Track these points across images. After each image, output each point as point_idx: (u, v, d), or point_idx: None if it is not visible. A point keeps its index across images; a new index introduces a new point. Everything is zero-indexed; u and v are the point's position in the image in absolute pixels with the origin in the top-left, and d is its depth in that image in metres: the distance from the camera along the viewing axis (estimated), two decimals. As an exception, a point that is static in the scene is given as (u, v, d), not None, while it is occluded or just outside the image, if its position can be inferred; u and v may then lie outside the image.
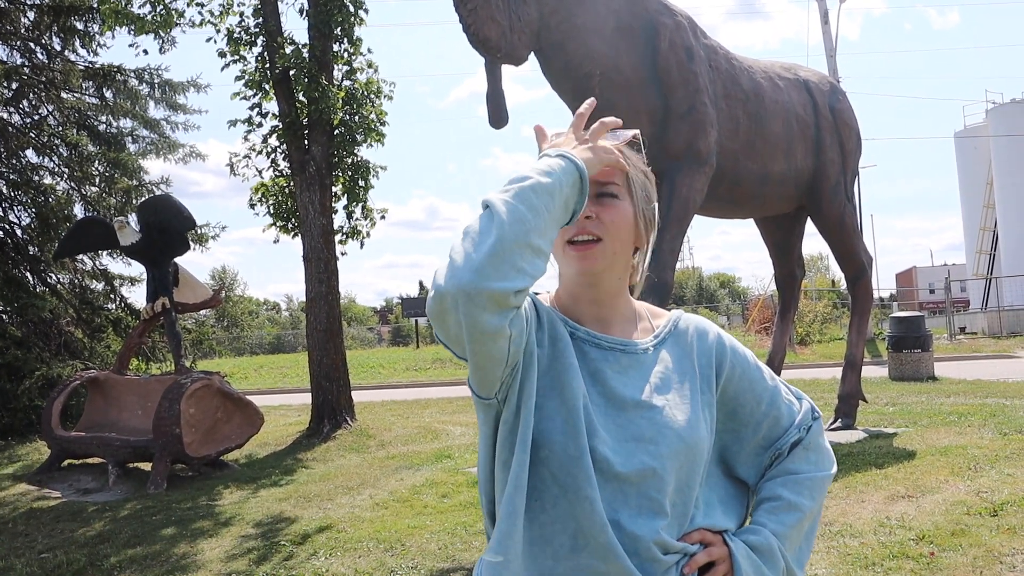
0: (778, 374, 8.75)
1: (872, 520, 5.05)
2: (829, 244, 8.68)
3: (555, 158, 1.33)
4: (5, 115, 15.01)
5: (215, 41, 11.22)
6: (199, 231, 15.26)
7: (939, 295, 38.09)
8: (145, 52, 17.93)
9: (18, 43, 15.22)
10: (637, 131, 1.54)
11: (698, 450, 1.42)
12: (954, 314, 26.56)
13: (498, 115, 6.47)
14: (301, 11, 11.32)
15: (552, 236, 1.29)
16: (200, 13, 11.29)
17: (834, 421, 8.50)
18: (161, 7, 10.91)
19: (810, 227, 8.88)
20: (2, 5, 14.74)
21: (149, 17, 10.92)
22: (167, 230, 9.04)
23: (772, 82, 7.77)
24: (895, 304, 35.47)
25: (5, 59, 14.86)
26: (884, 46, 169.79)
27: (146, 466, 8.43)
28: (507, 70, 6.57)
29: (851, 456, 6.86)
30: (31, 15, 15.30)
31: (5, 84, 13.92)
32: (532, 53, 6.47)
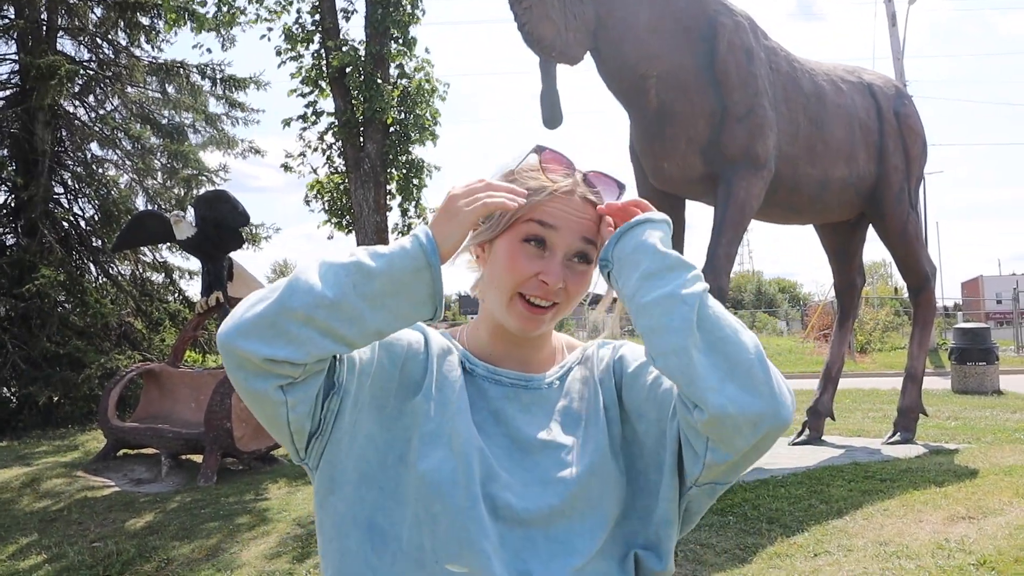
0: (836, 384, 8.62)
1: (930, 542, 4.87)
2: (891, 253, 8.43)
3: (407, 238, 1.19)
4: (72, 109, 15.35)
5: (268, 39, 11.33)
6: (253, 230, 15.46)
7: (1006, 305, 37.00)
8: (208, 51, 18.30)
9: (86, 39, 15.56)
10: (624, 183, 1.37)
11: (610, 481, 1.30)
12: (1022, 325, 25.77)
13: (553, 115, 6.39)
14: (346, 15, 11.35)
15: (371, 329, 1.15)
16: (258, 11, 11.40)
17: (893, 435, 8.27)
18: (224, 6, 11.04)
19: (871, 233, 8.65)
20: (71, 1, 15.08)
21: (210, 15, 11.06)
22: (222, 225, 9.14)
23: (835, 85, 7.56)
24: (960, 314, 34.58)
25: (74, 54, 15.20)
26: (948, 50, 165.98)
27: (198, 458, 8.52)
28: (562, 69, 6.49)
29: (909, 472, 6.64)
30: (98, 11, 15.62)
31: (74, 79, 14.21)
32: (587, 52, 6.38)
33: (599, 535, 1.28)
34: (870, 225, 8.47)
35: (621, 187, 1.35)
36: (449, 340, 1.39)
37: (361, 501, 1.25)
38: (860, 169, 7.66)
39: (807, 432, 8.39)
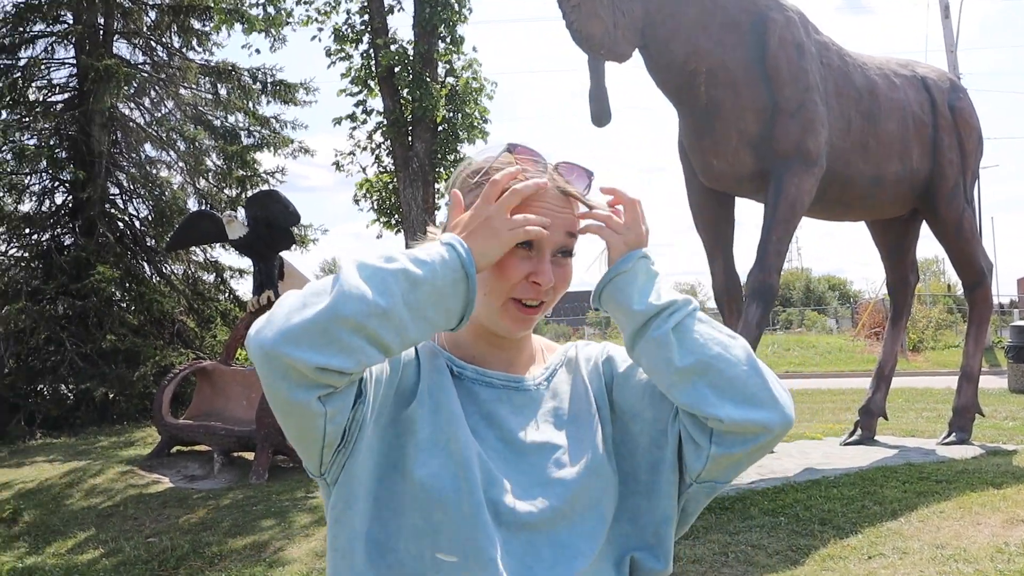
0: (888, 383, 8.48)
1: (989, 545, 4.77)
2: (946, 249, 8.27)
3: (442, 246, 1.16)
4: (127, 111, 15.67)
5: (319, 40, 11.45)
6: (302, 231, 15.64)
7: (1065, 302, 36.12)
8: (257, 51, 18.54)
9: (140, 42, 15.86)
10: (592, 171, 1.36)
11: (607, 479, 1.30)
12: (1082, 323, 25.08)
13: (601, 113, 6.38)
14: (394, 10, 11.42)
15: (409, 339, 1.13)
16: (307, 12, 11.54)
17: (948, 435, 8.11)
18: (271, 6, 11.19)
19: (924, 229, 8.50)
20: (126, 5, 15.38)
21: (260, 16, 11.21)
22: (274, 224, 9.25)
23: (887, 79, 7.44)
24: (1016, 311, 33.81)
25: (128, 57, 15.50)
26: (1001, 41, 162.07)
27: (249, 455, 8.64)
28: (610, 67, 6.47)
29: (966, 474, 6.51)
30: (152, 14, 15.91)
31: (131, 81, 14.48)
32: (636, 49, 6.36)
33: (599, 536, 1.27)
34: (924, 221, 8.32)
35: (590, 175, 1.34)
36: (433, 344, 1.37)
37: (377, 519, 1.24)
38: (914, 164, 7.53)
39: (859, 432, 8.26)
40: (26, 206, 14.86)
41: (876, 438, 8.30)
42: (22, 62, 14.41)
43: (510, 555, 1.20)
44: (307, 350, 1.06)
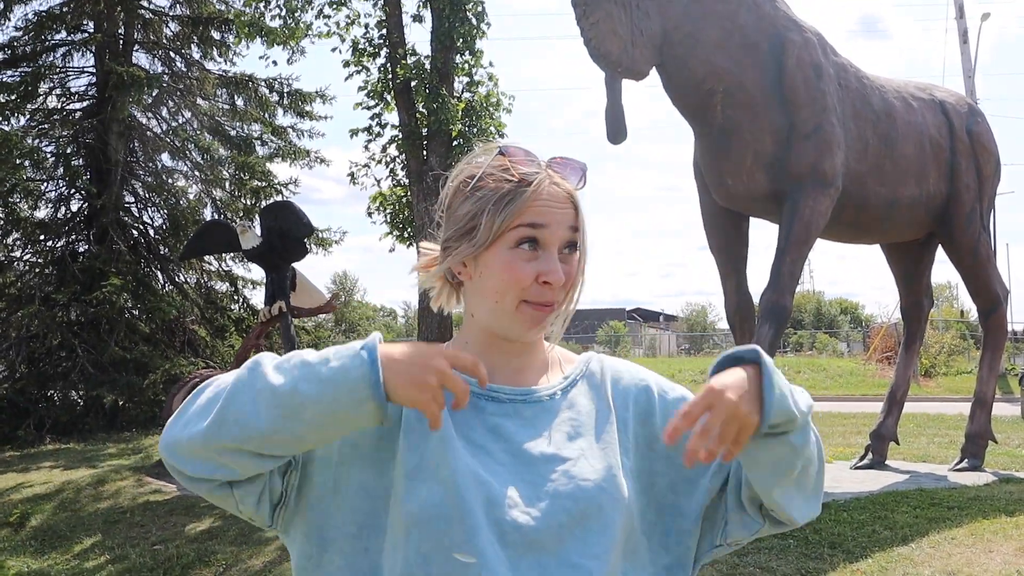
0: (901, 407, 8.42)
1: (1000, 573, 4.72)
2: (961, 274, 8.23)
3: (356, 352, 1.08)
4: (144, 120, 15.78)
5: (340, 51, 11.52)
6: (321, 235, 15.69)
7: (1079, 331, 35.86)
8: (274, 63, 18.74)
9: (160, 52, 15.99)
10: (584, 163, 1.32)
11: (619, 499, 1.23)
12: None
13: (617, 130, 6.38)
14: (419, 18, 11.50)
15: (310, 444, 1.12)
16: (326, 25, 11.61)
17: (960, 461, 8.04)
18: (291, 20, 11.27)
19: (939, 253, 8.46)
20: (147, 16, 15.52)
21: (279, 29, 11.29)
22: (287, 235, 9.26)
23: (905, 102, 7.43)
24: (1030, 339, 33.57)
25: (148, 67, 15.63)
26: (1019, 67, 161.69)
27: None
28: (627, 85, 6.47)
29: (978, 500, 6.45)
30: (173, 26, 16.05)
31: (148, 91, 14.59)
32: (654, 68, 6.36)
33: (609, 558, 1.20)
34: (939, 246, 8.28)
35: (583, 168, 1.31)
36: None
37: (363, 552, 1.21)
38: (930, 188, 7.50)
39: (870, 456, 8.20)
40: (42, 212, 14.98)
41: (887, 463, 8.24)
42: (42, 70, 14.52)
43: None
44: (188, 463, 1.10)
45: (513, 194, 1.24)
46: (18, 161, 13.21)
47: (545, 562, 1.17)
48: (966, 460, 8.01)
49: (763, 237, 20.03)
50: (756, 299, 6.83)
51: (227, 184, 16.20)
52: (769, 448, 1.16)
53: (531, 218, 1.24)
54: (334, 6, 11.54)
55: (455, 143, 11.16)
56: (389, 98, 11.40)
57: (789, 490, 1.21)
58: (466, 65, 11.46)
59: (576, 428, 1.28)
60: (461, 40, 11.02)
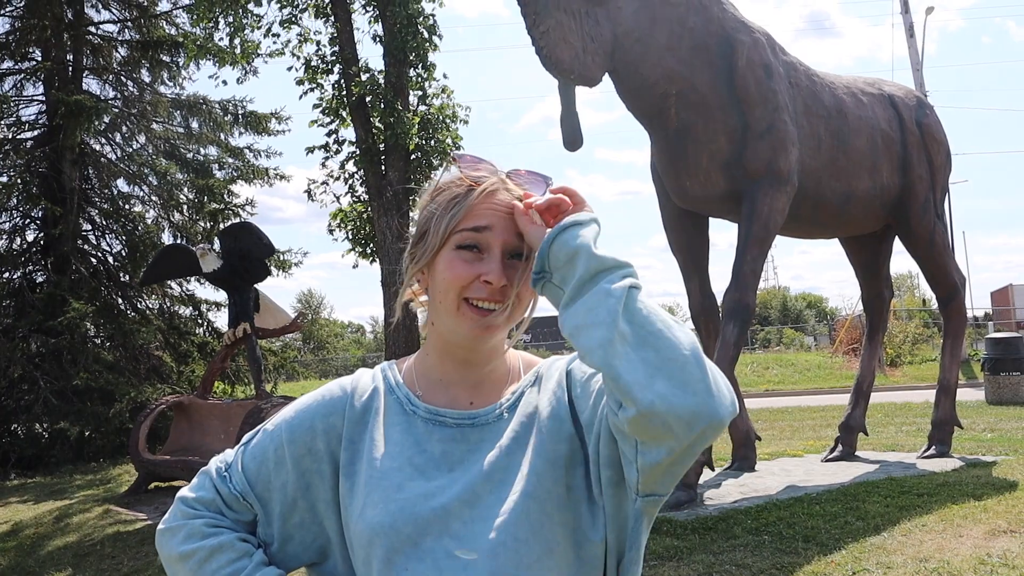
0: (867, 398, 8.51)
1: (972, 557, 4.78)
2: (919, 264, 8.35)
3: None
4: (98, 147, 15.58)
5: (296, 69, 11.47)
6: (281, 257, 15.57)
7: (1038, 313, 36.47)
8: (224, 83, 18.53)
9: (110, 77, 15.81)
10: (550, 176, 1.31)
11: (551, 500, 1.21)
12: (1055, 334, 25.34)
13: (573, 137, 6.39)
14: (375, 38, 11.48)
15: None
16: (276, 43, 11.56)
17: (928, 448, 8.15)
18: (238, 39, 11.20)
19: (898, 244, 8.58)
20: (95, 42, 15.33)
21: (229, 49, 11.22)
22: (248, 257, 9.20)
23: (855, 98, 7.53)
24: (991, 324, 34.11)
25: (99, 93, 15.44)
26: (964, 59, 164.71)
27: (228, 490, 8.52)
28: (581, 91, 6.49)
29: (947, 486, 6.53)
30: (122, 51, 15.88)
31: (98, 118, 14.40)
32: (606, 73, 6.39)
33: (547, 562, 1.19)
34: (896, 236, 8.40)
35: (547, 181, 1.30)
36: (390, 380, 1.38)
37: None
38: (884, 181, 7.61)
39: (840, 448, 8.28)
40: (-4, 244, 14.70)
41: (857, 453, 8.32)
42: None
43: None
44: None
45: (461, 198, 1.28)
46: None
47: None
48: (934, 447, 8.12)
49: (725, 237, 20.17)
50: (720, 298, 6.87)
51: (185, 208, 16.03)
52: (572, 313, 1.14)
53: (474, 221, 1.27)
54: (284, 24, 11.50)
55: (413, 157, 11.15)
56: (345, 114, 11.36)
57: (627, 359, 1.08)
58: (419, 78, 11.45)
59: (518, 443, 1.27)
60: (414, 54, 11.01)
